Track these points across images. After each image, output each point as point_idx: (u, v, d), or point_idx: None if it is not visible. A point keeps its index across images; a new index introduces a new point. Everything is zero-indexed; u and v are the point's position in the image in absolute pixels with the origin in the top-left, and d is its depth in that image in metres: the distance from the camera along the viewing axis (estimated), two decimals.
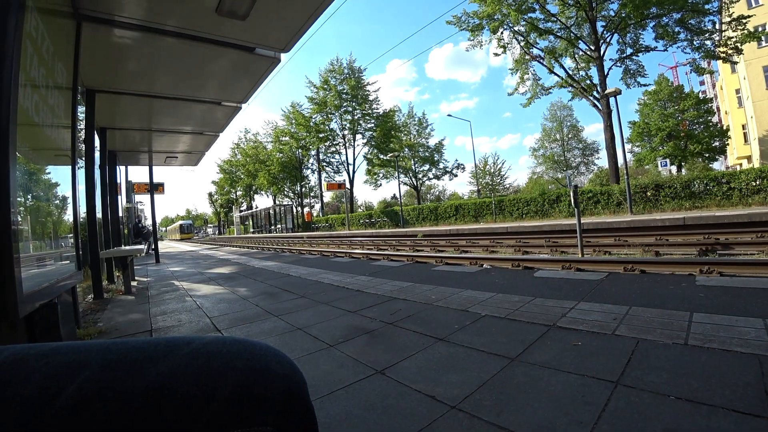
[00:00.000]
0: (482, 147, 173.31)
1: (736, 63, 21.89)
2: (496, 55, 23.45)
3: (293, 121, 39.52)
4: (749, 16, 18.18)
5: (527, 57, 22.08)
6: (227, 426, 0.46)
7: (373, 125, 37.78)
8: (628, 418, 1.52)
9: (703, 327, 2.36)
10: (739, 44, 18.32)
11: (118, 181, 10.59)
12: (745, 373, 1.79)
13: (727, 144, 33.58)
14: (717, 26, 19.60)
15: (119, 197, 10.53)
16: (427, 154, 40.22)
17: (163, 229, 78.05)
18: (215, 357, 0.51)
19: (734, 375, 1.78)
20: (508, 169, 61.90)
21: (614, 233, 9.97)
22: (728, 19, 18.34)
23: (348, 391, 1.97)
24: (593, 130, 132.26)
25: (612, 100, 16.19)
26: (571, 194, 6.69)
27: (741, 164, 33.22)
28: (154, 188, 11.63)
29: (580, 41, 20.56)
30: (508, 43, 22.12)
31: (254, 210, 50.89)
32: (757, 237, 7.66)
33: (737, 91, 33.17)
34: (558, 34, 20.67)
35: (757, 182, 12.63)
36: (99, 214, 6.29)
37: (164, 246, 27.87)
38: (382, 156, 36.73)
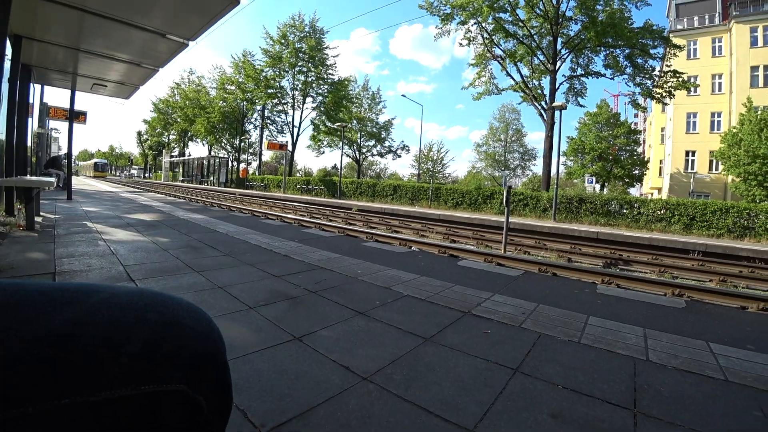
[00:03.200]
0: (431, 133, 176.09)
1: (666, 104, 24.19)
2: (461, 45, 23.72)
3: (242, 71, 37.00)
4: (683, 73, 20.51)
5: (488, 55, 22.60)
6: (133, 382, 0.43)
7: (325, 91, 36.41)
8: (521, 401, 1.67)
9: (595, 329, 2.65)
10: (672, 90, 20.53)
11: (31, 101, 9.25)
12: (622, 371, 2.05)
13: (645, 174, 37.33)
14: (658, 70, 21.46)
15: (30, 120, 9.21)
16: (375, 129, 39.64)
17: (78, 163, 70.54)
18: (126, 308, 0.48)
19: (613, 372, 2.03)
20: (451, 160, 63.85)
21: (536, 236, 10.74)
22: (666, 69, 20.49)
23: (263, 354, 1.95)
24: (535, 137, 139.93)
25: (557, 113, 17.19)
26: (505, 194, 7.08)
27: (652, 194, 37.22)
28: (74, 116, 10.23)
29: (539, 52, 21.43)
30: (473, 38, 22.46)
31: (187, 157, 47.62)
32: (652, 258, 8.69)
33: (662, 129, 36.90)
34: (521, 40, 21.34)
35: (662, 211, 14.25)
36: (1, 136, 5.48)
37: (79, 182, 25.17)
38: (329, 124, 35.58)
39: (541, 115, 21.65)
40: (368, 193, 24.70)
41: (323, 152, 40.20)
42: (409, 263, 4.59)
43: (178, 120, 48.56)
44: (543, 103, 21.47)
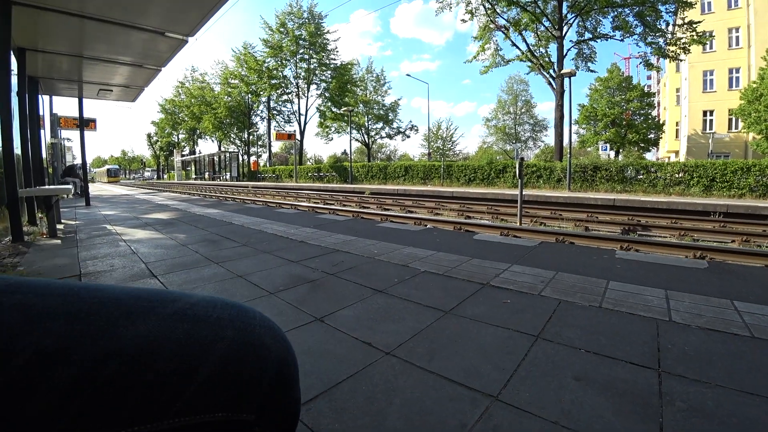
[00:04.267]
0: (439, 111, 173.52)
1: (681, 61, 23.26)
2: (463, 21, 23.16)
3: (244, 64, 36.90)
4: (699, 22, 19.37)
5: (492, 26, 22.00)
6: (207, 410, 0.39)
7: (329, 76, 36.22)
8: (544, 367, 1.68)
9: (616, 293, 2.62)
10: (687, 45, 19.65)
11: (41, 113, 9.42)
12: (644, 333, 2.03)
13: (661, 137, 36.36)
14: (671, 27, 20.59)
15: (42, 131, 9.39)
16: (381, 112, 39.36)
17: (94, 170, 72.29)
18: (204, 322, 0.42)
19: (635, 334, 2.01)
20: (460, 136, 63.10)
21: (551, 207, 10.62)
22: (681, 22, 19.47)
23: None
24: (545, 107, 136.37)
25: (566, 80, 16.73)
26: (517, 166, 6.99)
27: (669, 157, 36.26)
28: (84, 124, 10.41)
29: (544, 18, 20.73)
30: (475, 9, 21.89)
31: (197, 155, 48.13)
32: (671, 222, 8.52)
33: (677, 90, 35.70)
34: (525, 7, 20.66)
35: (680, 174, 13.89)
36: (17, 150, 5.62)
37: (96, 189, 25.77)
38: (335, 109, 35.52)
39: (550, 84, 21.12)
40: (380, 176, 24.67)
41: (332, 138, 40.33)
42: (424, 241, 4.60)
43: (186, 119, 48.98)
44: (551, 71, 20.91)
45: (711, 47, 28.24)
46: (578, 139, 38.38)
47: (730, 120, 29.20)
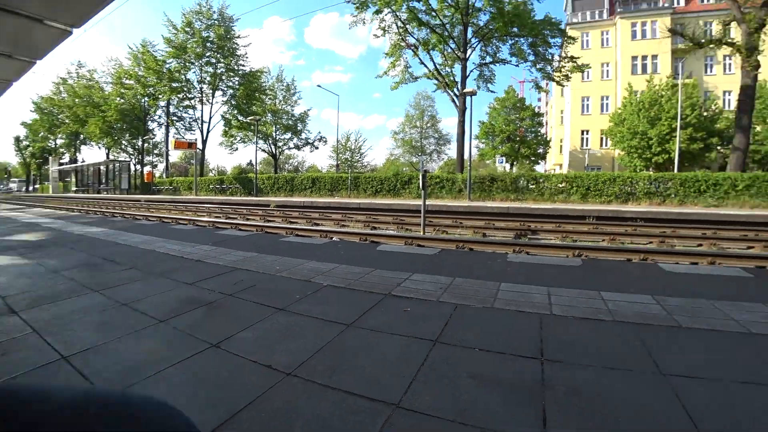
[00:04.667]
0: (349, 123, 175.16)
1: (565, 86, 26.62)
2: (376, 36, 24.04)
3: (142, 63, 33.34)
4: (578, 58, 22.82)
5: (403, 44, 23.08)
6: None
7: (236, 83, 34.15)
8: (442, 369, 1.77)
9: (506, 294, 2.88)
10: (569, 73, 22.84)
11: None
12: (530, 327, 2.26)
13: (548, 152, 41.14)
14: (557, 57, 23.53)
15: None
16: (290, 122, 38.17)
17: None
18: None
19: (522, 329, 2.23)
20: (369, 148, 64.45)
21: (453, 215, 11.31)
22: (565, 54, 22.72)
23: (178, 368, 1.82)
24: (449, 122, 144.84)
25: (468, 99, 18.15)
26: (421, 178, 7.31)
27: (555, 169, 41.13)
28: None
29: (451, 40, 22.38)
30: (388, 26, 22.77)
31: (80, 164, 42.20)
32: (556, 226, 9.58)
33: (561, 112, 40.95)
34: (434, 29, 22.11)
35: (563, 184, 15.82)
36: None
37: None
38: (241, 118, 33.49)
39: (453, 101, 22.66)
40: (286, 188, 24.06)
41: (237, 149, 37.90)
42: (329, 254, 4.57)
43: (67, 121, 42.33)
44: (455, 89, 22.47)
45: (588, 77, 33.20)
46: (478, 153, 41.66)
47: (601, 138, 34.31)
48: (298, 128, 38.43)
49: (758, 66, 16.22)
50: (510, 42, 22.21)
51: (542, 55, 22.02)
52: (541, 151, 38.80)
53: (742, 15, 16.28)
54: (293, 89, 39.15)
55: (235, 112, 34.19)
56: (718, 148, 25.72)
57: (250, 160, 52.15)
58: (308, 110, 39.45)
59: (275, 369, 1.79)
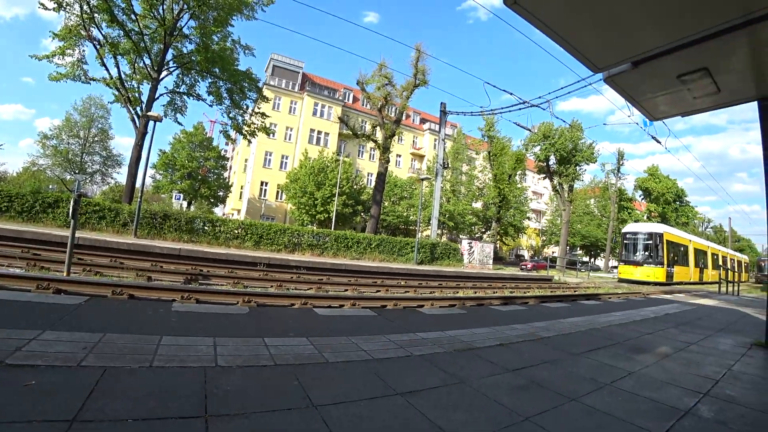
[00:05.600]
0: None
1: (251, 140, 28.08)
2: (45, 8, 17.56)
3: None
4: (268, 116, 25.14)
5: (84, 32, 18.27)
6: None
7: None
8: None
9: (168, 349, 2.67)
10: (256, 131, 24.36)
11: None
12: (194, 383, 2.18)
13: (228, 196, 41.96)
14: (250, 110, 24.75)
15: None
16: None
17: None
18: None
19: (186, 387, 2.12)
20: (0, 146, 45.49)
21: (113, 254, 9.56)
22: (257, 110, 24.19)
23: None
24: (125, 142, 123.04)
25: (152, 123, 16.21)
26: (72, 202, 5.89)
27: (233, 214, 42.18)
28: None
29: (146, 55, 19.48)
30: (69, 4, 17.51)
31: None
32: (229, 272, 9.75)
33: (246, 160, 43.13)
34: (130, 34, 18.63)
35: (238, 230, 16.37)
36: None
37: None
38: None
39: (134, 120, 19.67)
40: None
41: None
42: None
43: None
44: (138, 108, 19.65)
45: (274, 136, 36.86)
46: (153, 184, 37.53)
47: (278, 192, 38.33)
48: None
49: (389, 161, 24.39)
50: (210, 80, 21.92)
51: (237, 103, 22.76)
52: (221, 194, 39.29)
53: (383, 123, 23.41)
54: None
55: None
56: (362, 214, 34.06)
57: None
58: None
59: None
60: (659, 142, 18.11)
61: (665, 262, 23.33)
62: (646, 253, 23.85)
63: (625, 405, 2.61)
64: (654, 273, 22.99)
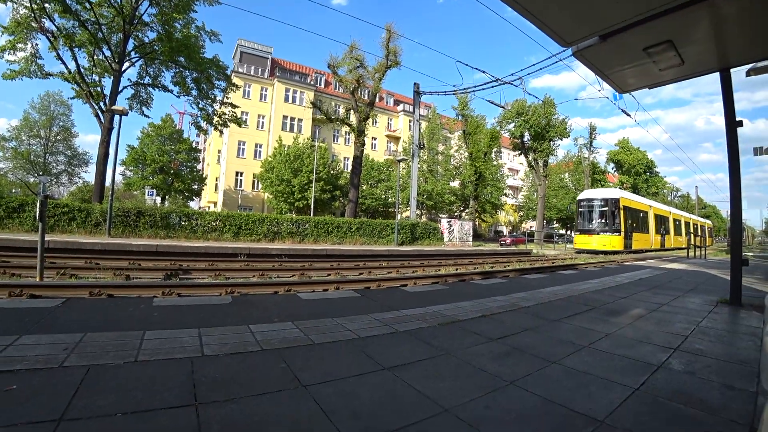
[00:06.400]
0: None
1: (222, 131, 27.35)
2: None
3: None
4: (238, 107, 24.46)
5: (35, 25, 17.14)
6: None
7: None
8: None
9: (152, 343, 2.65)
10: (227, 122, 23.76)
11: None
12: (181, 374, 2.18)
13: (203, 188, 40.94)
14: (219, 100, 24.00)
15: None
16: None
17: None
18: None
19: (172, 378, 2.12)
20: None
21: (87, 255, 9.28)
22: (227, 100, 23.58)
23: None
24: (90, 140, 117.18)
25: (117, 117, 15.55)
26: (39, 205, 5.66)
27: (209, 207, 41.26)
28: None
29: (105, 46, 18.43)
30: None
31: None
32: (209, 265, 9.62)
33: (219, 151, 42.02)
34: (85, 24, 17.57)
35: (216, 222, 16.06)
36: None
37: None
38: None
39: (98, 116, 18.82)
40: None
41: None
42: None
43: None
44: (102, 103, 18.77)
45: (247, 124, 35.86)
46: (124, 181, 36.32)
47: (254, 181, 37.64)
48: None
49: (364, 144, 24.33)
50: (175, 70, 21.09)
51: (205, 93, 22.05)
52: (196, 187, 38.32)
53: (357, 106, 23.23)
54: None
55: None
56: (340, 198, 33.88)
57: None
58: None
59: None
60: (629, 116, 18.42)
61: (623, 229, 22.23)
62: (603, 220, 22.76)
63: (602, 363, 2.75)
64: (610, 241, 21.98)
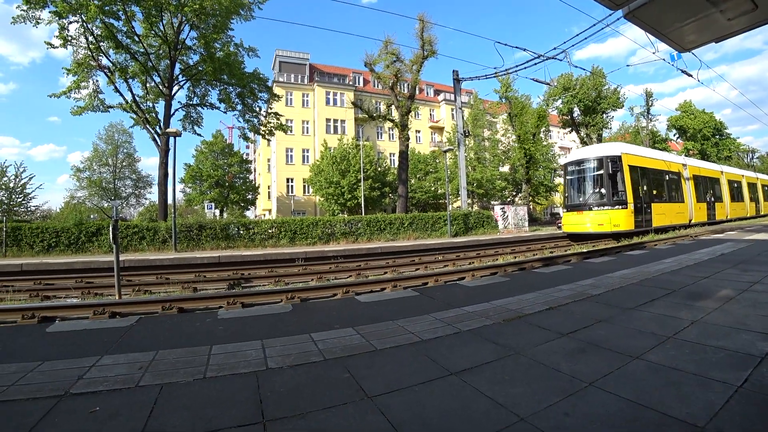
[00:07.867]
0: (6, 152, 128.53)
1: (269, 140, 28.35)
2: (52, 47, 18.22)
3: None
4: (282, 116, 24.86)
5: (93, 63, 18.83)
6: None
7: None
8: None
9: (219, 358, 2.71)
10: (273, 129, 24.46)
11: None
12: (247, 389, 2.20)
13: (257, 197, 42.78)
14: (264, 111, 24.83)
15: None
16: None
17: None
18: None
19: (239, 393, 2.14)
20: (39, 187, 47.97)
21: (158, 270, 9.96)
22: (270, 111, 24.27)
23: None
24: (151, 163, 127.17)
25: (172, 139, 16.61)
26: (111, 229, 6.10)
27: (264, 215, 43.08)
28: None
29: (155, 73, 19.87)
30: (74, 39, 18.09)
31: None
32: (269, 272, 9.96)
33: (269, 160, 43.72)
34: (136, 56, 19.06)
35: (272, 230, 16.67)
36: None
37: None
38: None
39: (155, 140, 20.23)
40: None
41: None
42: None
43: None
44: (157, 127, 20.15)
45: (292, 131, 37.10)
46: (184, 198, 38.74)
47: (304, 186, 38.77)
48: None
49: (408, 138, 24.24)
50: (219, 88, 22.11)
51: (249, 106, 22.90)
52: (250, 197, 40.05)
53: (397, 101, 23.10)
54: None
55: None
56: (390, 195, 33.93)
57: None
58: None
59: None
60: (690, 76, 16.59)
61: (629, 199, 15.05)
62: (598, 189, 15.74)
63: (693, 357, 2.45)
64: (611, 218, 14.92)
